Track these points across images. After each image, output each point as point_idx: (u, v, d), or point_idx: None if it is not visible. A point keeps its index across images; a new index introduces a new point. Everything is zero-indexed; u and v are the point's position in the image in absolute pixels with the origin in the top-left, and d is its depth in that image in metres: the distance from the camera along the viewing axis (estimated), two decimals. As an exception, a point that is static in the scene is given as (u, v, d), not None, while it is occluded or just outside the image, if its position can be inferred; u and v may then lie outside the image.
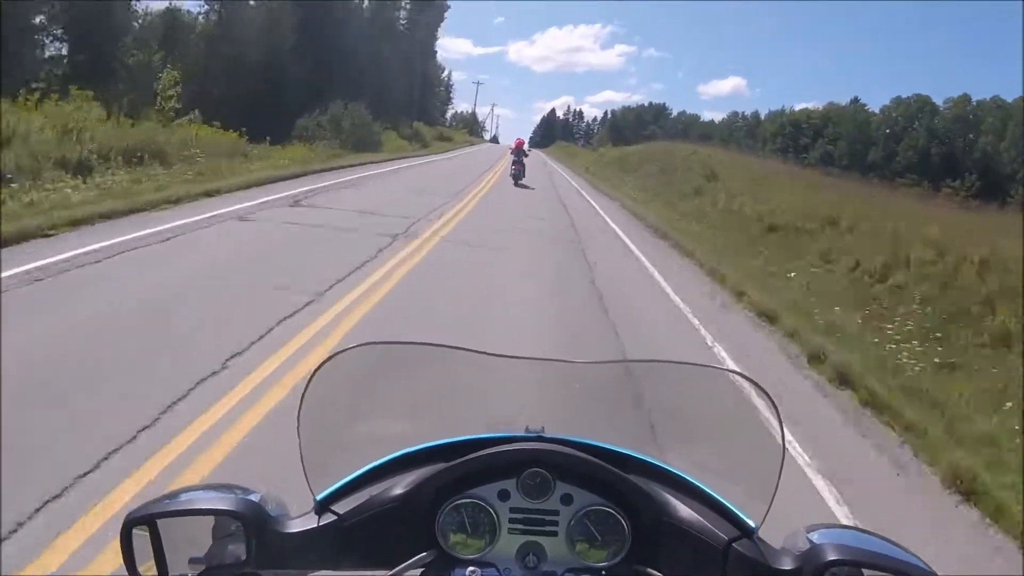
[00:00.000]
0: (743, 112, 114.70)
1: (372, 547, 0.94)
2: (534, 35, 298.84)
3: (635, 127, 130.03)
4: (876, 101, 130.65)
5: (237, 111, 22.54)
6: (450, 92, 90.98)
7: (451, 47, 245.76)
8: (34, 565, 2.83)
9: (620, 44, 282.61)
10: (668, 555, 0.95)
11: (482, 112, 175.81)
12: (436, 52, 59.18)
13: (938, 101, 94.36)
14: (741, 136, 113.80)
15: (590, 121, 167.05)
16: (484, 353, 1.08)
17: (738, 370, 1.16)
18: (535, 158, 37.52)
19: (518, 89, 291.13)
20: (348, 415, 1.19)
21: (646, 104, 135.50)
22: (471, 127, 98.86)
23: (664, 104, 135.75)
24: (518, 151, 23.69)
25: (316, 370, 1.03)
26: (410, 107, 45.02)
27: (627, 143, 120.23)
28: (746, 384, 1.09)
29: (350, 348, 1.09)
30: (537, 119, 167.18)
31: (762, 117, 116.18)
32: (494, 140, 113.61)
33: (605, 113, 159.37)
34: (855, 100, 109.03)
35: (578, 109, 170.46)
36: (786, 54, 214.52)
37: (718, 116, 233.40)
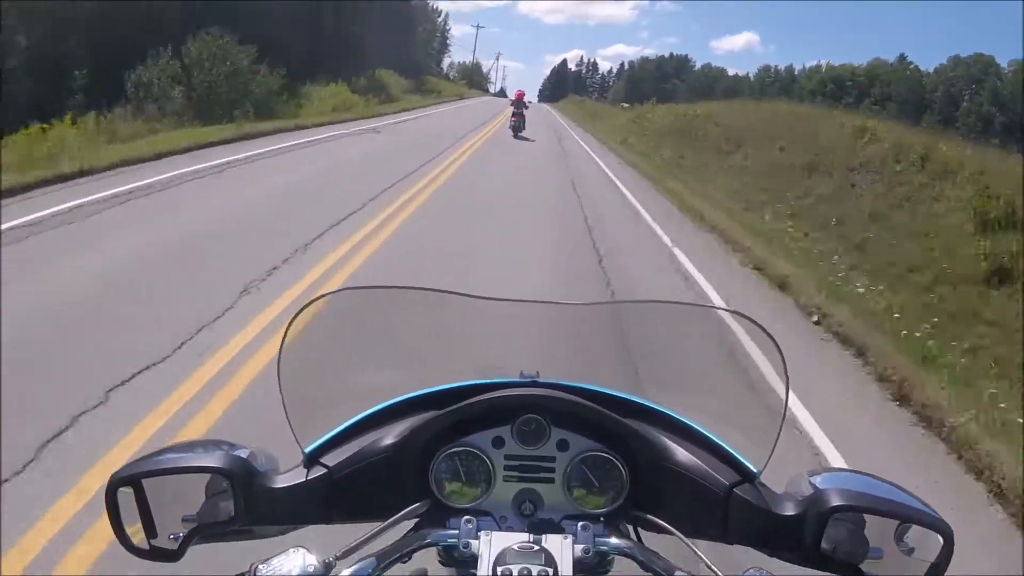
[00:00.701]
0: (775, 66, 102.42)
1: (364, 499, 0.92)
2: None
3: (655, 81, 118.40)
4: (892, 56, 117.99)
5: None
6: (447, 40, 79.72)
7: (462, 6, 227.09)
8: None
9: None
10: (668, 501, 0.92)
11: (489, 64, 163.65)
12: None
13: (1002, 63, 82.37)
14: (775, 93, 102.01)
15: (604, 73, 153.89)
16: (473, 296, 1.04)
17: (739, 311, 1.01)
18: (541, 122, 31.12)
19: (528, 42, 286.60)
20: (333, 364, 1.14)
21: (666, 56, 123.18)
22: (471, 78, 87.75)
23: (686, 56, 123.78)
24: (518, 103, 23.76)
25: (294, 318, 0.97)
26: (374, 53, 34.83)
27: (646, 98, 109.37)
28: (748, 325, 0.99)
29: (329, 293, 1.04)
30: (547, 73, 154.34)
31: (796, 72, 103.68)
32: (500, 93, 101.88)
33: (621, 65, 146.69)
34: (902, 58, 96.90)
35: (592, 60, 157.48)
36: (800, 9, 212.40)
37: (740, 70, 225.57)
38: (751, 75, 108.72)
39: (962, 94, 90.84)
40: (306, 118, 18.90)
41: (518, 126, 22.87)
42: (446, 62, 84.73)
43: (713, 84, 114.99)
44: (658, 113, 32.04)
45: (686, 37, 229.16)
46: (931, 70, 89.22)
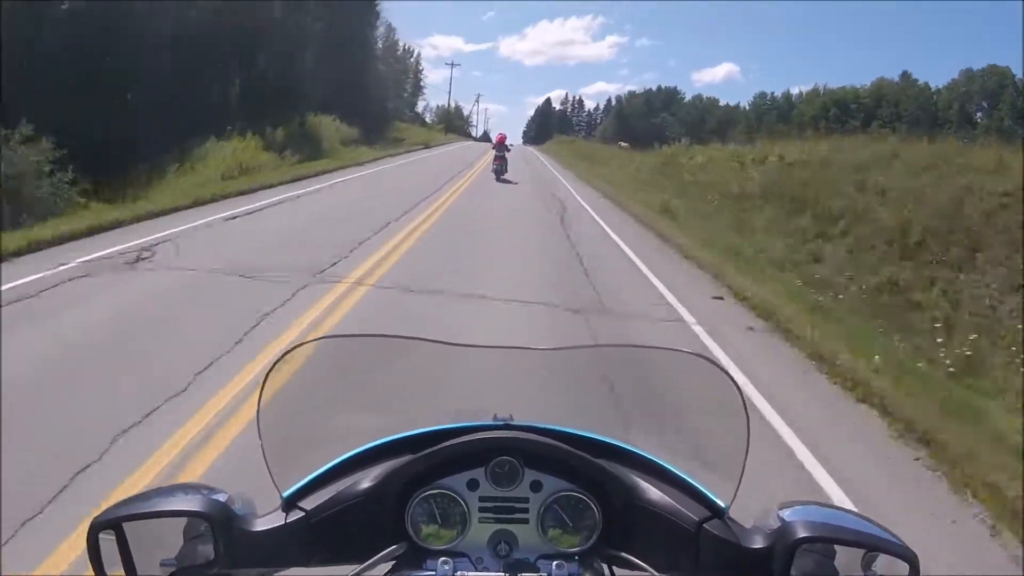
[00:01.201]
0: (772, 93, 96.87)
1: (341, 542, 0.94)
2: (525, 29, 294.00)
3: (644, 115, 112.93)
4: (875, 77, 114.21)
5: None
6: (420, 81, 73.28)
7: (442, 45, 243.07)
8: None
9: (611, 35, 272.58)
10: (640, 538, 0.95)
11: (470, 107, 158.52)
12: (379, 26, 42.29)
13: (1019, 73, 76.45)
14: (774, 121, 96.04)
15: (591, 110, 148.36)
16: (448, 343, 1.08)
17: (702, 353, 1.08)
18: (526, 176, 25.13)
19: (510, 84, 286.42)
20: (311, 410, 1.18)
21: (654, 89, 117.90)
22: (450, 122, 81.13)
23: (676, 88, 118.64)
24: (500, 146, 24.10)
25: (273, 365, 1.01)
26: (322, 96, 28.11)
27: (636, 134, 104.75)
28: (709, 366, 1.06)
29: (307, 342, 1.08)
30: (531, 114, 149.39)
31: (793, 98, 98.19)
32: (484, 137, 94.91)
33: (608, 101, 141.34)
34: (906, 76, 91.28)
35: (577, 97, 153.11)
36: (778, 37, 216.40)
37: (730, 100, 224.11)
38: (745, 104, 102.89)
39: (974, 109, 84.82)
40: (157, 200, 11.69)
41: (500, 169, 22.85)
42: (420, 105, 78.19)
43: (704, 116, 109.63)
44: (705, 157, 22.76)
45: (665, 72, 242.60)
46: (940, 86, 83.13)
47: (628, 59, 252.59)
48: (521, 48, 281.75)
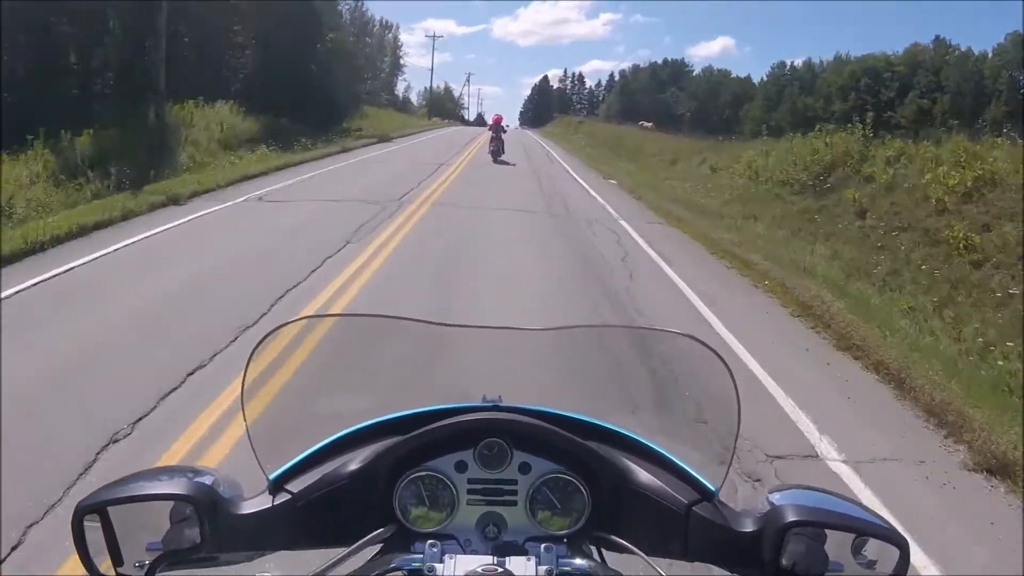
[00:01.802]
0: (791, 62, 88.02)
1: (329, 525, 0.94)
2: (517, 10, 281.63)
3: (650, 91, 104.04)
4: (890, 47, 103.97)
5: None
6: (399, 60, 64.62)
7: (434, 28, 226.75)
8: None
9: (605, 12, 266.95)
10: (629, 520, 0.95)
11: (460, 89, 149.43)
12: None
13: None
14: (796, 93, 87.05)
15: (592, 88, 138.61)
16: (435, 323, 1.09)
17: (692, 334, 1.06)
18: (528, 188, 16.82)
19: (505, 66, 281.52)
20: (297, 391, 1.20)
21: (659, 62, 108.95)
22: (436, 105, 72.47)
23: (682, 60, 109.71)
24: (496, 128, 23.92)
25: (257, 345, 1.00)
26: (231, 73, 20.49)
27: (641, 111, 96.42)
28: (700, 347, 1.04)
29: (292, 321, 1.09)
30: (527, 94, 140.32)
31: (815, 68, 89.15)
32: (479, 121, 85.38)
33: (610, 76, 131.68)
34: (940, 40, 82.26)
35: (577, 73, 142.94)
36: (774, 8, 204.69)
37: (746, 70, 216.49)
38: (764, 75, 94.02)
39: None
40: None
41: (497, 151, 22.83)
42: (401, 86, 69.26)
43: (717, 90, 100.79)
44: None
45: (659, 48, 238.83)
46: (982, 52, 74.33)
47: (623, 36, 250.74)
48: (514, 29, 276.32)
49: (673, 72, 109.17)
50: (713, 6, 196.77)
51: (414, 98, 68.85)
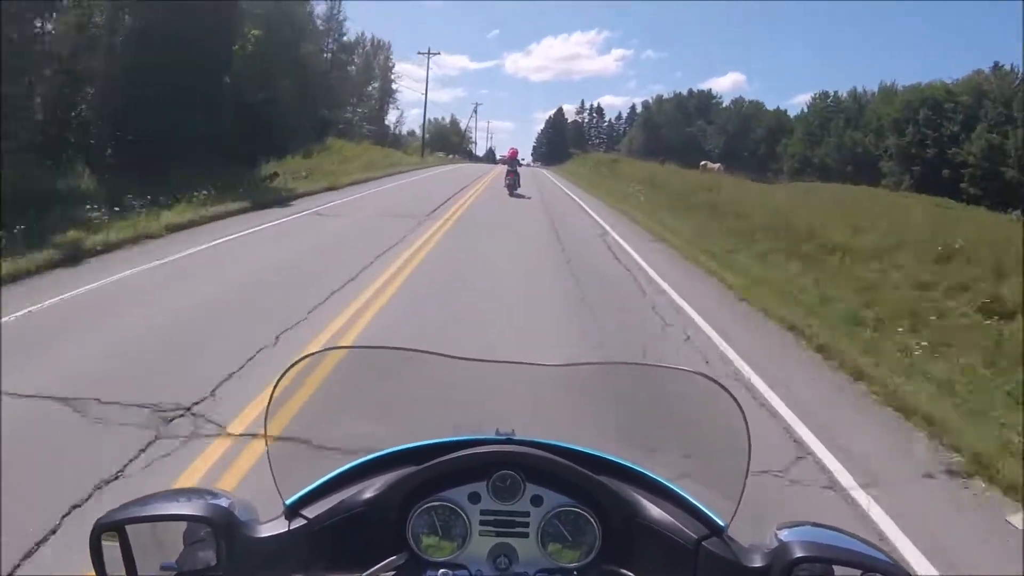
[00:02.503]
0: (836, 92, 79.30)
1: (342, 551, 0.96)
2: (529, 45, 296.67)
3: (677, 124, 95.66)
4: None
5: None
6: (391, 87, 55.98)
7: (447, 63, 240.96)
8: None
9: (617, 48, 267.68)
10: (639, 555, 0.98)
11: (468, 122, 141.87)
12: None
13: None
14: (842, 127, 78.00)
15: (612, 121, 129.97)
16: (452, 356, 1.11)
17: (704, 372, 1.10)
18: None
19: (517, 101, 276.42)
20: (316, 419, 1.27)
21: (685, 93, 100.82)
22: (446, 139, 64.06)
23: (710, 91, 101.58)
24: (512, 161, 24.94)
25: (282, 376, 1.05)
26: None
27: (667, 146, 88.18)
28: (712, 386, 1.06)
29: (315, 353, 1.12)
30: (539, 129, 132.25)
31: (861, 99, 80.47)
32: (489, 157, 75.97)
33: (632, 109, 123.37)
34: (999, 68, 73.75)
35: (595, 105, 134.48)
36: (783, 42, 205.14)
37: (800, 99, 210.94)
38: (804, 106, 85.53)
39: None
40: None
41: (513, 184, 23.43)
42: (392, 116, 60.49)
43: (749, 123, 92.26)
44: None
45: (671, 83, 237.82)
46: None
47: (635, 72, 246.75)
48: (526, 64, 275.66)
49: (700, 104, 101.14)
50: (723, 42, 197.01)
51: (418, 131, 60.05)
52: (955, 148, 66.35)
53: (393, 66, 54.67)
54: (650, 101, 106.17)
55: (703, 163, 37.71)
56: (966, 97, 69.57)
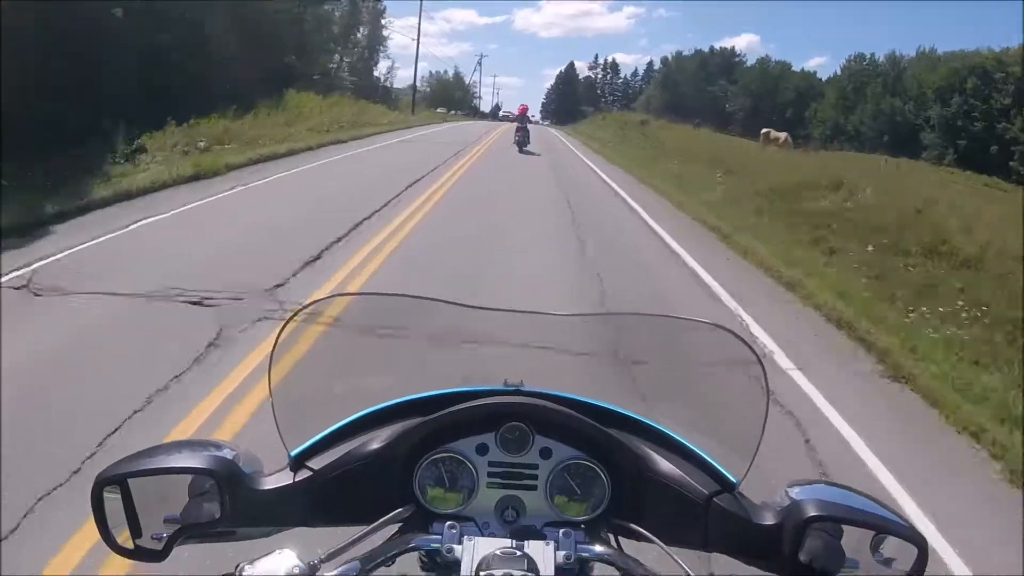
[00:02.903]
0: (871, 55, 73.05)
1: (348, 503, 0.96)
2: (540, 1, 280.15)
3: (698, 83, 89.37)
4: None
5: None
6: (381, 35, 49.66)
7: (456, 18, 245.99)
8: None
9: (628, 6, 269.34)
10: (648, 509, 0.97)
11: (473, 77, 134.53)
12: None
13: None
14: (878, 94, 71.92)
15: (627, 78, 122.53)
16: (460, 304, 1.09)
17: (721, 324, 1.07)
18: None
19: (526, 57, 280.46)
20: (321, 369, 1.22)
21: (707, 50, 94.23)
22: (450, 95, 57.70)
23: (734, 49, 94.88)
24: (522, 118, 24.74)
25: (285, 324, 1.02)
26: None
27: (688, 104, 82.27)
28: (730, 338, 1.04)
29: (319, 300, 1.11)
30: (547, 86, 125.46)
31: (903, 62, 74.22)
32: (495, 113, 68.93)
33: (648, 65, 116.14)
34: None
35: (610, 60, 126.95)
36: (798, 5, 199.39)
37: (815, 62, 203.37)
38: (837, 70, 79.28)
39: None
40: None
41: (523, 141, 23.49)
42: (383, 66, 53.96)
43: (776, 85, 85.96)
44: None
45: (684, 43, 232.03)
46: None
47: (646, 30, 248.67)
48: (536, 21, 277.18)
49: (722, 62, 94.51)
50: (738, 1, 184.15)
51: (390, 82, 53.47)
52: (1005, 122, 60.52)
53: (384, 9, 48.49)
54: (669, 58, 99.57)
55: (765, 131, 28.77)
56: (1016, 68, 63.61)
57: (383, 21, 48.31)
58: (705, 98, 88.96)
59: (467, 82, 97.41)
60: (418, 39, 45.65)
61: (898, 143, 63.27)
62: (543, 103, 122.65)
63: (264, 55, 23.68)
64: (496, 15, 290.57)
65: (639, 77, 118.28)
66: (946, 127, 62.53)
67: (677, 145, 25.78)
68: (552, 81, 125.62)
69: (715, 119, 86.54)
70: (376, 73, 49.98)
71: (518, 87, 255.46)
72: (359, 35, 46.62)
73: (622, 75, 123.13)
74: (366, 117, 29.85)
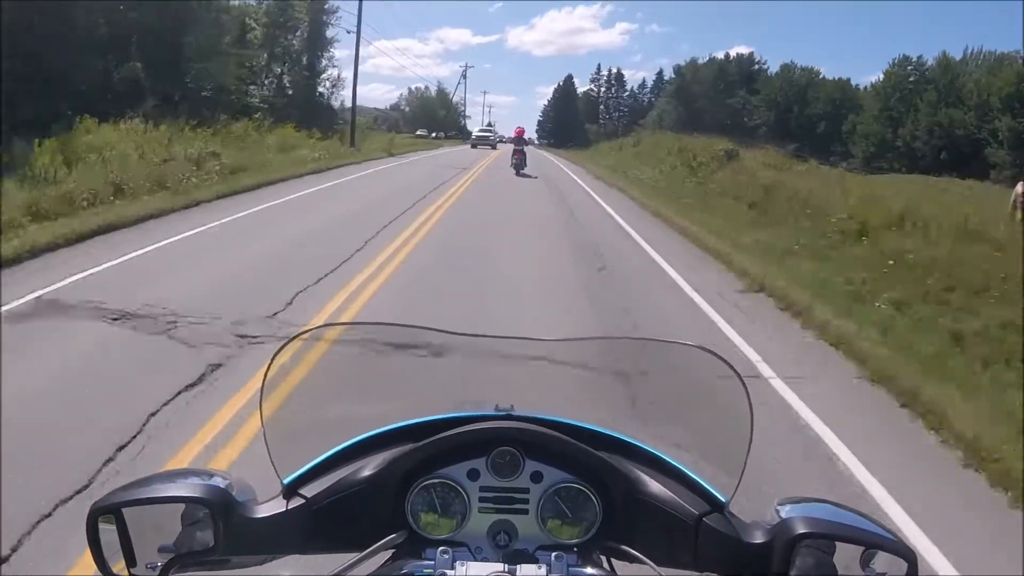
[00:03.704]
0: (918, 57, 63.37)
1: (341, 530, 0.98)
2: (533, 19, 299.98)
3: (714, 94, 79.58)
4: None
5: None
6: (325, 39, 38.49)
7: (449, 38, 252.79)
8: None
9: (621, 22, 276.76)
10: (639, 531, 0.99)
11: (456, 88, 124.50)
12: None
13: None
14: (934, 102, 61.93)
15: (634, 90, 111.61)
16: (449, 332, 1.13)
17: (705, 346, 1.11)
18: None
19: (519, 75, 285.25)
20: (313, 396, 1.25)
21: (723, 57, 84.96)
22: (432, 113, 46.83)
23: (753, 54, 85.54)
24: (518, 140, 26.53)
25: (277, 352, 1.06)
26: None
27: (703, 118, 72.70)
28: (714, 360, 1.08)
29: (311, 329, 1.15)
30: (541, 104, 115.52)
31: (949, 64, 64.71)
32: (482, 138, 55.94)
33: (659, 75, 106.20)
34: None
35: (614, 71, 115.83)
36: (792, 18, 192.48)
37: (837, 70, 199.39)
38: (879, 76, 69.63)
39: None
40: None
41: (520, 163, 24.79)
42: (329, 73, 41.41)
43: (803, 95, 76.19)
44: None
45: (678, 58, 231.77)
46: None
47: (640, 45, 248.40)
48: (529, 39, 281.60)
49: (742, 70, 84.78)
50: (730, 15, 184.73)
51: (334, 99, 41.34)
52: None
53: (336, 9, 37.95)
54: (682, 66, 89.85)
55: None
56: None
57: (328, 20, 37.74)
58: (723, 111, 79.35)
59: (453, 99, 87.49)
60: (358, 32, 34.35)
61: (958, 161, 53.70)
62: (539, 121, 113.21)
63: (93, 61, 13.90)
64: (490, 34, 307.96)
65: (647, 90, 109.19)
66: (1017, 141, 52.59)
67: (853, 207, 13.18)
68: (545, 100, 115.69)
69: (737, 134, 76.89)
70: (321, 89, 39.41)
71: (512, 106, 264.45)
72: (293, 40, 36.42)
73: (628, 87, 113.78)
74: (265, 157, 19.74)
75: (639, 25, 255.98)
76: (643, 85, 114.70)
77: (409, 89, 73.23)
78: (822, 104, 75.64)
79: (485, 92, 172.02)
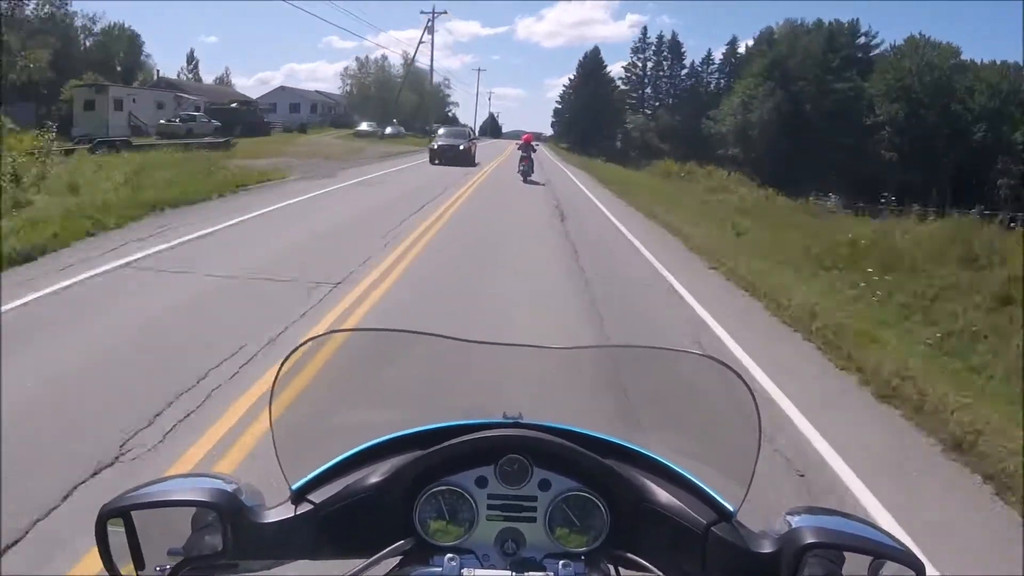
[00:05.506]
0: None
1: (349, 536, 1.02)
2: (542, 10, 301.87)
3: (820, 75, 56.19)
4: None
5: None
6: None
7: (459, 30, 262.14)
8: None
9: (631, 14, 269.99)
10: (647, 540, 1.02)
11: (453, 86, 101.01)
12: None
13: None
14: None
15: (695, 64, 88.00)
16: (459, 339, 1.16)
17: (713, 356, 1.15)
18: None
19: (528, 68, 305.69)
20: (322, 403, 1.31)
21: (826, 22, 61.77)
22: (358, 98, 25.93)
23: (856, 21, 62.45)
24: (526, 146, 27.05)
25: (286, 359, 1.10)
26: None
27: (801, 111, 48.85)
28: (722, 369, 1.10)
29: (319, 336, 1.19)
30: (550, 97, 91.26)
31: None
32: (447, 147, 32.64)
33: (731, 43, 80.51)
34: None
35: (666, 38, 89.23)
36: (802, 11, 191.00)
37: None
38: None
39: None
40: None
41: (527, 170, 25.76)
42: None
43: (946, 83, 52.93)
44: None
45: (688, 49, 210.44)
46: None
47: (651, 38, 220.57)
48: (539, 30, 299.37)
49: (848, 42, 61.05)
50: (741, 7, 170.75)
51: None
52: None
53: None
54: (774, 29, 66.64)
55: None
56: None
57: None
58: (829, 100, 55.50)
59: (436, 81, 63.69)
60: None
61: None
62: (556, 110, 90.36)
63: None
64: (499, 26, 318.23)
65: (714, 66, 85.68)
66: None
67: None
68: (553, 92, 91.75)
69: (850, 136, 53.38)
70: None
71: (522, 98, 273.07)
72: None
73: (687, 61, 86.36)
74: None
75: (649, 16, 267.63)
76: (708, 59, 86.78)
77: (357, 59, 49.68)
78: (982, 97, 52.27)
79: (491, 92, 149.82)
